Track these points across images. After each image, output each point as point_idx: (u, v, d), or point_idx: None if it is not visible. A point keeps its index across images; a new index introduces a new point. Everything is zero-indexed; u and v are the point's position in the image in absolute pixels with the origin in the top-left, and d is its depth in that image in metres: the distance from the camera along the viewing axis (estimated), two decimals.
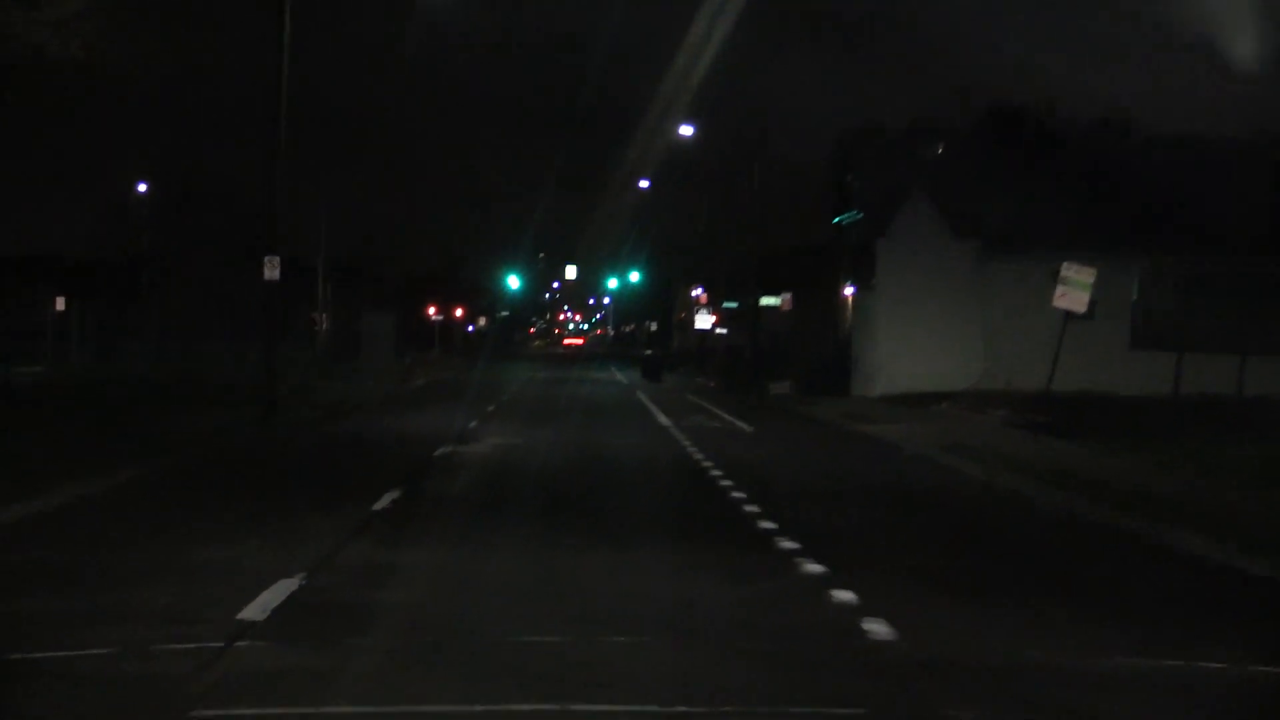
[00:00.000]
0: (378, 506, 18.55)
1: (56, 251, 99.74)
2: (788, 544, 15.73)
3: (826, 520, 18.20)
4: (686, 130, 63.51)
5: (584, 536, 16.23)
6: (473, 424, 34.94)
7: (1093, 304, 49.31)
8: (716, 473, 23.61)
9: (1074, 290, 24.87)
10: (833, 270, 75.16)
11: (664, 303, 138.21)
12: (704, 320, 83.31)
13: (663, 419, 38.87)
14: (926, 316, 51.35)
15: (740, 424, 37.82)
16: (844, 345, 58.06)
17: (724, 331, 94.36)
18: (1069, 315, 25.26)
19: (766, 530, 16.90)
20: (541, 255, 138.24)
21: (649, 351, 75.94)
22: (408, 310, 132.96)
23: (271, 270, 35.72)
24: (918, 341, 51.20)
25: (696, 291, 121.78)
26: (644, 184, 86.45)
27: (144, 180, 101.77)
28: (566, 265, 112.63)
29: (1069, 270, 24.96)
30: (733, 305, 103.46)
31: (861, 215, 66.66)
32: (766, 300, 65.52)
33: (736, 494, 20.52)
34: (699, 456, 26.61)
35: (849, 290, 68.65)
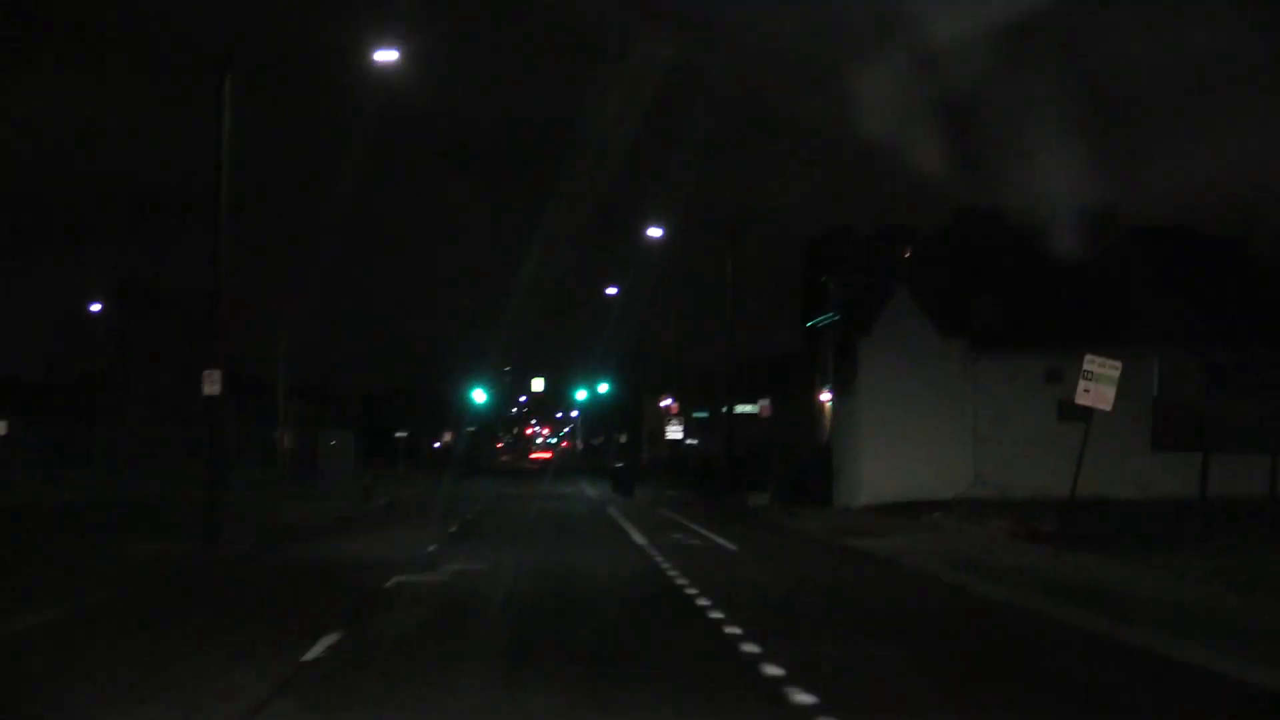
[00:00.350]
0: (309, 655, 15.73)
1: (12, 373, 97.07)
2: (801, 697, 12.98)
3: (840, 661, 15.40)
4: (655, 232, 60.99)
5: (556, 697, 13.38)
6: (432, 547, 32.07)
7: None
8: (704, 601, 20.76)
9: (1099, 385, 22.23)
10: (809, 376, 72.65)
11: (633, 414, 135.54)
12: (675, 430, 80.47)
13: (638, 537, 36.05)
14: (912, 420, 48.70)
15: (721, 541, 34.99)
16: (824, 453, 55.34)
17: (694, 442, 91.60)
18: (1091, 414, 22.52)
19: (773, 678, 14.11)
20: (507, 369, 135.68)
21: (619, 464, 73.00)
22: (371, 427, 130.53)
23: (211, 385, 32.91)
24: (903, 447, 48.51)
25: (666, 402, 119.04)
26: (611, 291, 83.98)
27: (99, 298, 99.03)
28: (533, 378, 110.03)
29: (1092, 364, 22.35)
30: (703, 415, 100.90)
31: (838, 318, 64.23)
32: (742, 408, 62.80)
33: (730, 629, 17.69)
34: (683, 582, 23.74)
35: (825, 396, 66.10)
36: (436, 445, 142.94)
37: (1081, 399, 22.45)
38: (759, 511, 49.50)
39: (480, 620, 19.43)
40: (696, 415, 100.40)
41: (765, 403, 55.12)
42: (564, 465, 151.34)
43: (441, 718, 12.44)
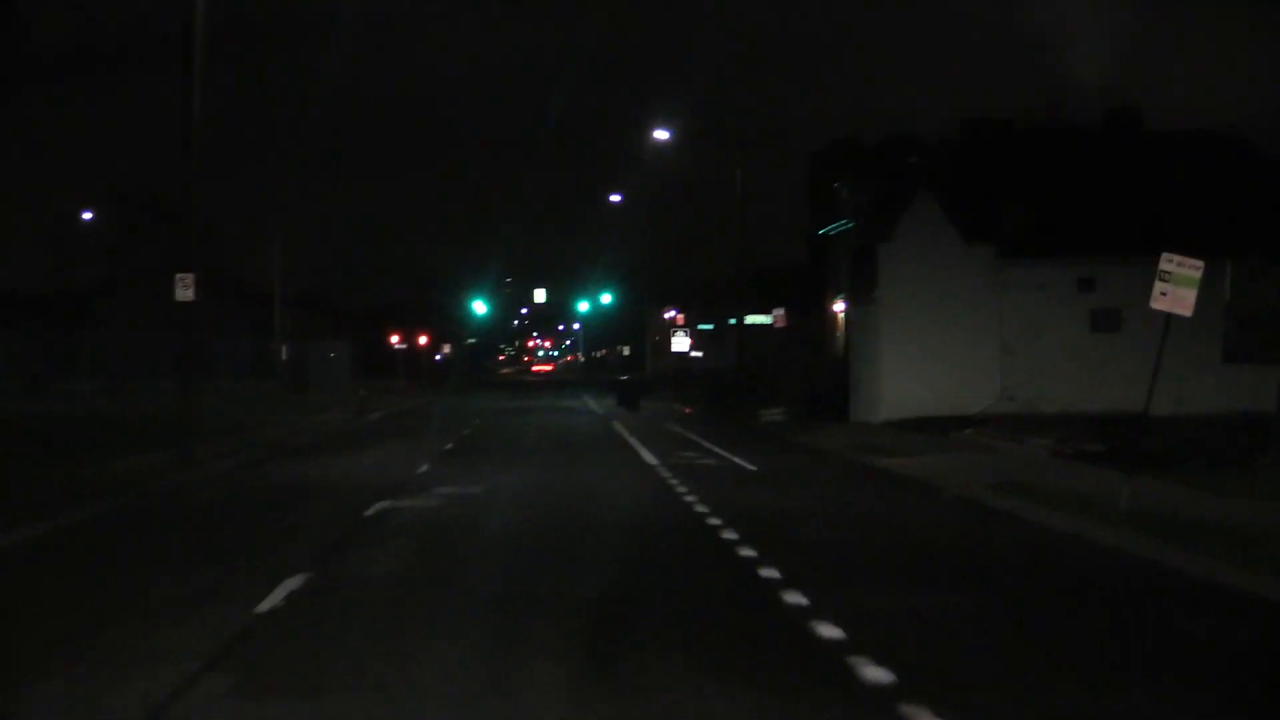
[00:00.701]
0: (264, 605, 12.99)
1: (4, 285, 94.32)
2: (873, 672, 10.21)
3: (906, 617, 12.52)
4: (661, 134, 57.82)
5: (559, 662, 10.60)
6: (424, 467, 29.35)
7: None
8: (730, 535, 17.94)
9: (1177, 288, 19.32)
10: (820, 286, 69.74)
11: (637, 326, 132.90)
12: (681, 342, 77.62)
13: (648, 456, 33.24)
14: (935, 331, 45.81)
15: (738, 460, 32.17)
16: (839, 366, 52.50)
17: (699, 354, 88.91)
18: (1170, 319, 19.65)
19: (831, 643, 11.31)
20: (509, 280, 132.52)
21: (624, 377, 69.98)
22: (370, 339, 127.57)
23: (184, 289, 30.08)
24: (926, 360, 45.67)
25: (670, 313, 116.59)
26: (615, 198, 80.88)
27: (90, 204, 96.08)
28: (535, 289, 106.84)
29: (1169, 264, 19.44)
30: (708, 327, 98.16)
31: (852, 225, 61.24)
32: (753, 319, 59.95)
33: (766, 571, 14.87)
34: (702, 510, 20.91)
35: (839, 307, 63.25)
36: (438, 358, 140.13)
37: (1158, 303, 19.54)
38: (773, 427, 46.72)
39: (470, 559, 16.62)
40: (702, 328, 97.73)
41: (780, 312, 52.27)
42: (566, 378, 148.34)
43: (414, 699, 9.66)
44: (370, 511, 20.86)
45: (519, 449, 35.94)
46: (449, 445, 36.98)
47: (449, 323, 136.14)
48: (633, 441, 38.83)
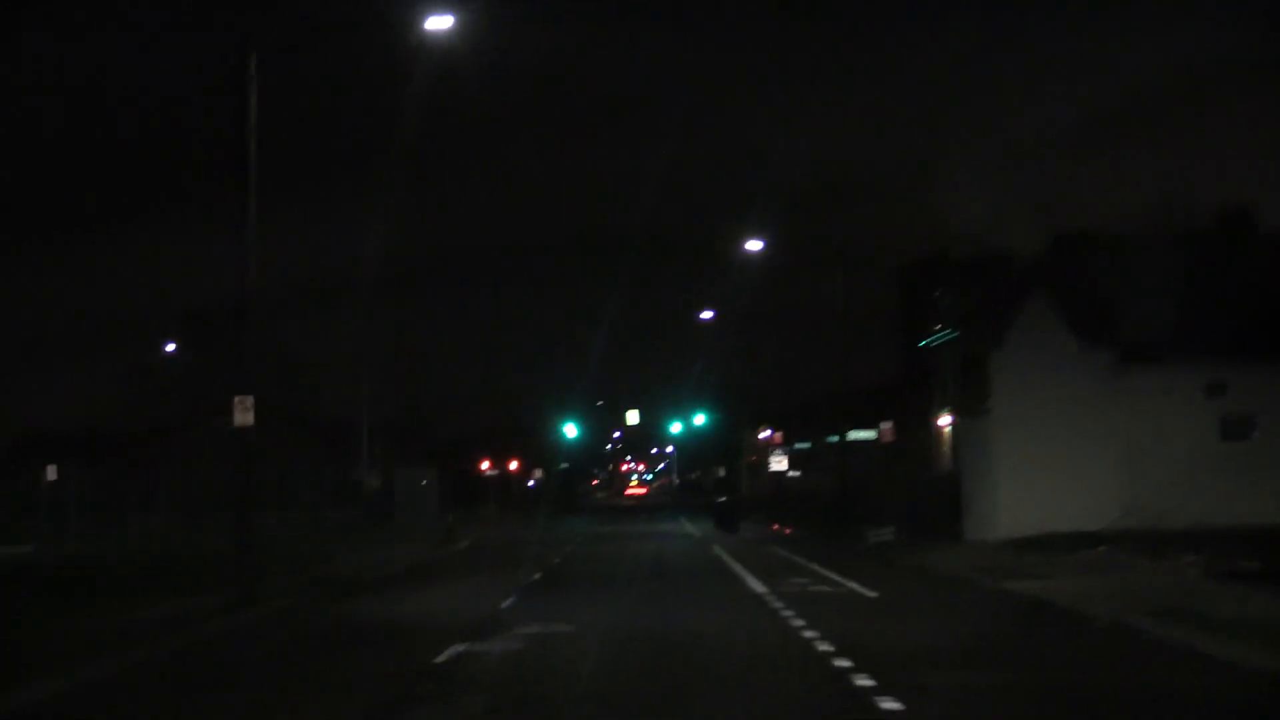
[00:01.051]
0: None
1: (84, 423, 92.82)
2: None
3: None
4: (754, 245, 55.25)
5: None
6: (508, 601, 26.59)
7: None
8: (866, 681, 14.95)
9: None
10: (923, 400, 66.62)
11: (731, 447, 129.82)
12: (779, 461, 74.50)
13: (754, 583, 30.26)
14: (1052, 442, 42.74)
15: (854, 585, 29.14)
16: (949, 482, 49.38)
17: (796, 474, 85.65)
18: None
19: None
20: (600, 403, 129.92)
21: (722, 499, 67.02)
22: (459, 466, 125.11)
23: (243, 414, 27.51)
24: (1043, 473, 42.59)
25: (766, 433, 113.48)
26: (706, 315, 78.29)
27: (168, 338, 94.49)
28: (628, 411, 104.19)
29: None
30: (805, 445, 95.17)
31: (956, 334, 58.28)
32: (856, 434, 56.88)
33: None
34: (826, 649, 17.87)
35: (945, 420, 60.11)
36: (530, 484, 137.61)
37: None
38: (883, 548, 43.60)
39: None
40: (799, 446, 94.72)
41: (888, 425, 48.77)
42: (660, 501, 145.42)
43: None
44: (442, 657, 18.02)
45: (613, 579, 33.05)
46: (537, 575, 34.18)
47: (540, 448, 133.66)
48: (736, 567, 35.84)
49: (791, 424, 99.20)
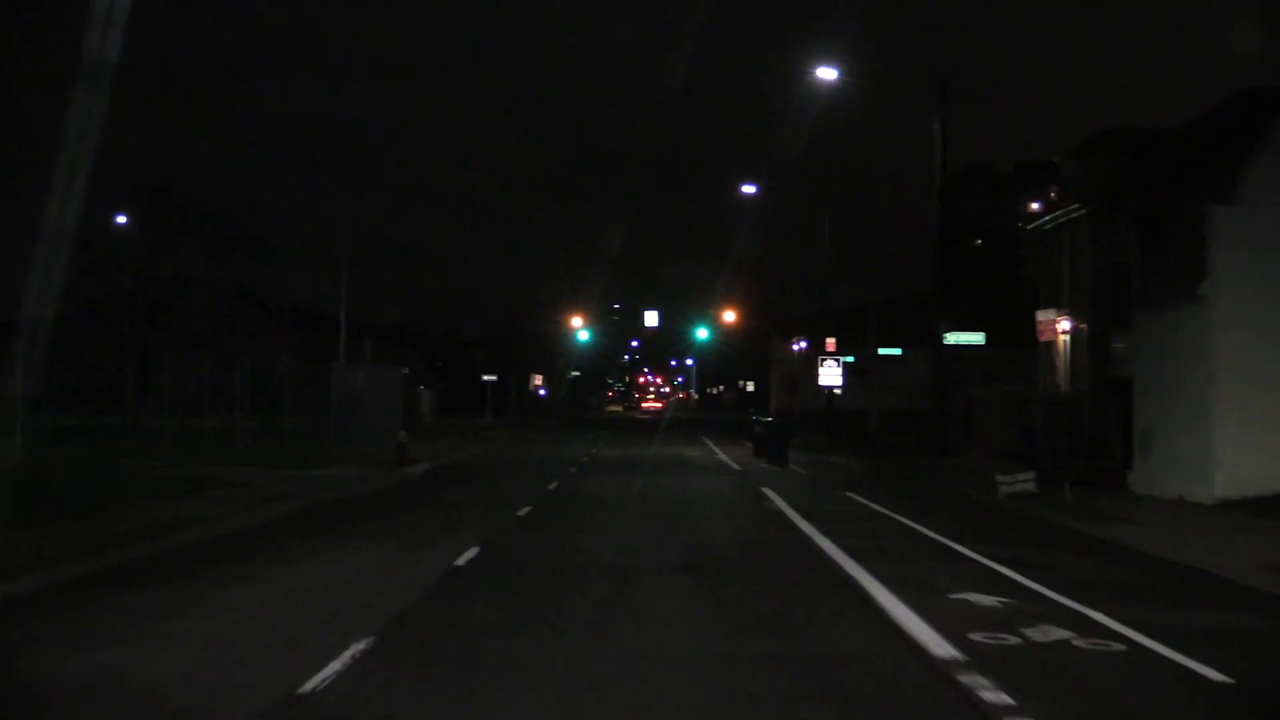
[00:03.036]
0: None
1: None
2: None
3: None
4: (749, 189, 39.07)
5: None
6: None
7: None
8: None
9: None
10: (1025, 300, 50.40)
11: (760, 358, 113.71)
12: (831, 375, 58.04)
13: (889, 601, 14.07)
14: None
15: (1075, 606, 13.34)
16: (1115, 405, 33.59)
17: (838, 390, 68.91)
18: None
19: None
20: (616, 306, 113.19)
21: (766, 419, 50.10)
22: (460, 372, 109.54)
23: None
24: None
25: (800, 344, 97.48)
26: (749, 189, 61.89)
27: (115, 208, 76.41)
28: (646, 312, 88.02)
29: None
30: (849, 360, 78.14)
31: (1086, 210, 42.11)
32: (958, 337, 40.54)
33: None
34: None
35: (1065, 325, 43.97)
36: (541, 393, 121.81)
37: None
38: (1026, 503, 27.47)
39: None
40: (844, 360, 78.13)
41: (1050, 318, 31.01)
42: (679, 416, 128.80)
43: None
44: None
45: (608, 567, 16.96)
46: (472, 553, 18.13)
47: (549, 354, 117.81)
48: (830, 549, 19.27)
49: (826, 337, 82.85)
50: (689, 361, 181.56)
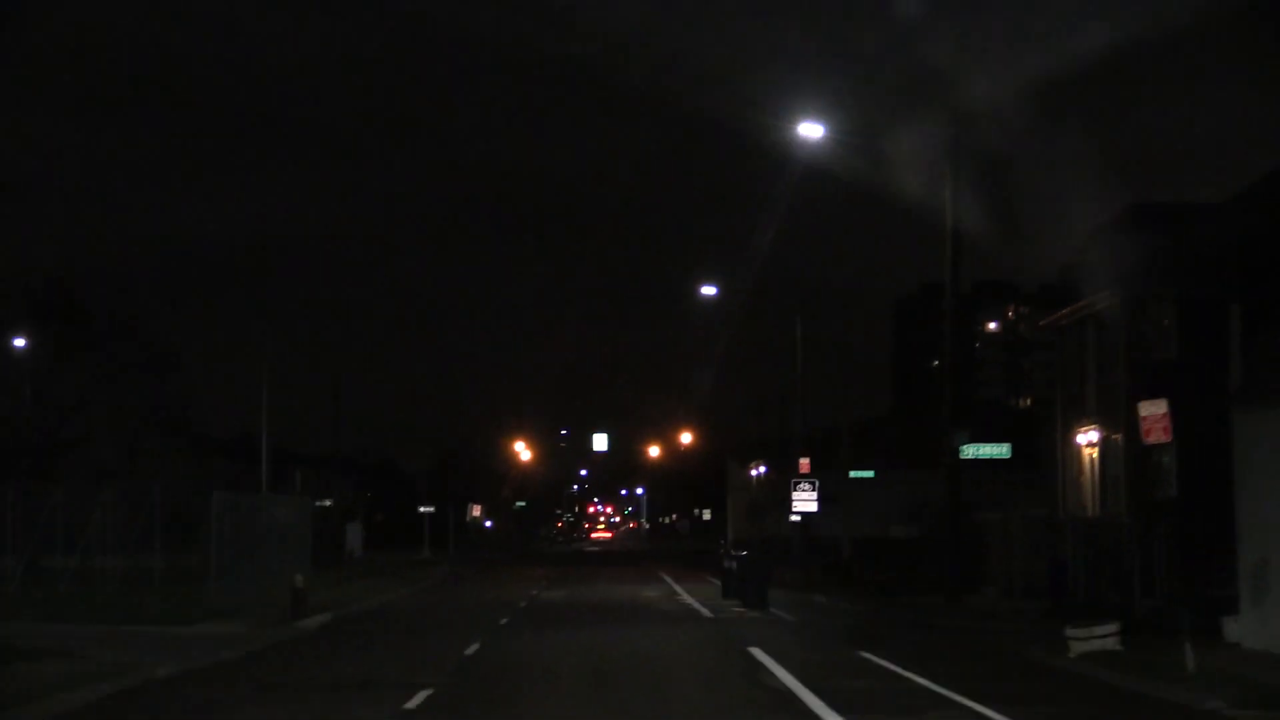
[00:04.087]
0: None
1: None
2: None
3: None
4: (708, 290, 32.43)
5: None
6: None
7: None
8: None
9: None
10: (1039, 412, 42.83)
11: (716, 486, 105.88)
12: (805, 500, 50.18)
13: None
14: None
15: None
16: (1143, 529, 26.19)
17: (797, 518, 60.38)
18: None
19: None
20: (564, 432, 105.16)
21: (742, 553, 41.27)
22: (396, 503, 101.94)
23: None
24: None
25: (759, 469, 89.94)
26: (708, 291, 54.51)
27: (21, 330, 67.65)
28: (594, 435, 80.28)
29: None
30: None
31: (1122, 295, 34.85)
32: (975, 450, 32.75)
33: None
34: None
35: (1089, 437, 36.60)
36: (488, 524, 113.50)
37: None
38: (1123, 666, 19.59)
39: None
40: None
41: (1155, 411, 22.59)
42: (630, 547, 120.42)
43: None
44: None
45: None
46: None
47: (496, 482, 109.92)
48: None
49: (785, 462, 74.93)
50: (639, 490, 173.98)
